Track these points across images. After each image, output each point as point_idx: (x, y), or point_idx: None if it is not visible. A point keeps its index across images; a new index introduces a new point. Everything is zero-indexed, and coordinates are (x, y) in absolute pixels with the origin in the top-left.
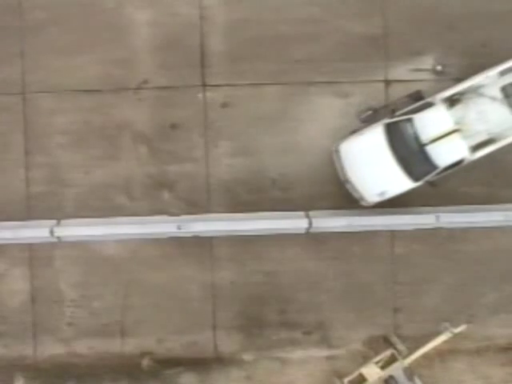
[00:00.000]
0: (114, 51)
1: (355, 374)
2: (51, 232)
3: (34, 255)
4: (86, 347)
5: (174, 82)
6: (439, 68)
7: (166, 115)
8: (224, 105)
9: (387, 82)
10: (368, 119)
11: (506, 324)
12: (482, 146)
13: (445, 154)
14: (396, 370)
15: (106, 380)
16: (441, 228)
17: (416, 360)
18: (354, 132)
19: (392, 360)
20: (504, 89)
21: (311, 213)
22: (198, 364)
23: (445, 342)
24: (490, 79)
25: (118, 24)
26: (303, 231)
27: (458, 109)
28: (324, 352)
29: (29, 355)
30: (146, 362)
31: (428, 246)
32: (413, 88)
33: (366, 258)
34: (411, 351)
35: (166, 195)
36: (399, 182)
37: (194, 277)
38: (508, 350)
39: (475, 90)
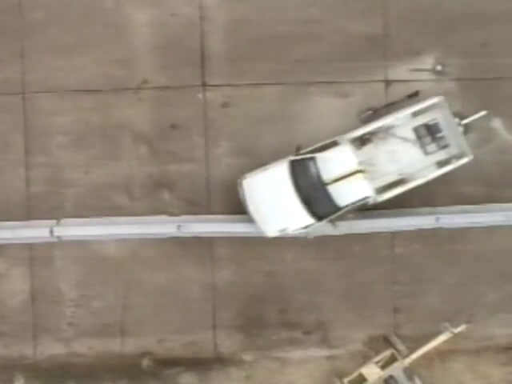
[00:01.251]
0: (114, 51)
1: (355, 374)
2: (51, 232)
3: (33, 255)
4: (86, 347)
5: (174, 81)
6: (439, 68)
7: (166, 115)
8: (224, 105)
9: (387, 82)
10: (368, 119)
11: (506, 324)
12: (393, 186)
13: (346, 194)
14: (396, 369)
15: (106, 380)
16: (441, 228)
17: (416, 360)
18: (261, 166)
19: (392, 360)
20: (416, 130)
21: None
22: (198, 364)
23: (445, 342)
24: (402, 120)
25: (118, 24)
26: (304, 235)
27: (368, 149)
28: (324, 352)
29: (29, 355)
30: (145, 362)
31: (428, 246)
32: (413, 88)
33: (366, 258)
34: (411, 351)
35: (166, 195)
36: (301, 220)
37: (194, 277)
38: (508, 349)
39: (387, 130)
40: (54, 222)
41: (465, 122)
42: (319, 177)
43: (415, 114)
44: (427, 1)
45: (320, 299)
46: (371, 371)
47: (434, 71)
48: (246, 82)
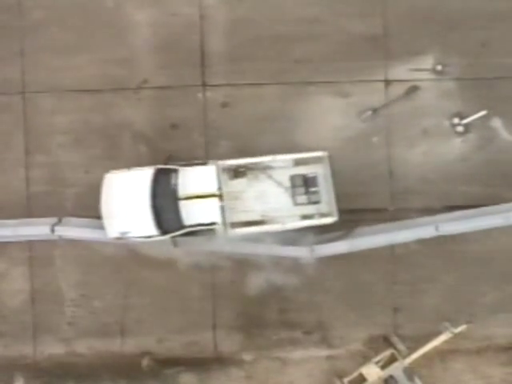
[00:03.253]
0: (113, 51)
1: (355, 374)
2: (52, 230)
3: (34, 255)
4: (85, 347)
5: (174, 81)
6: (439, 68)
7: (166, 115)
8: (224, 105)
9: (387, 82)
10: (368, 119)
11: (505, 324)
12: (252, 224)
13: (195, 214)
14: (396, 369)
15: (105, 380)
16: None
17: (416, 360)
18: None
19: (392, 360)
20: (293, 178)
21: (313, 239)
22: (197, 364)
23: (445, 341)
24: (282, 163)
25: (118, 24)
26: (307, 256)
27: (240, 182)
28: (324, 352)
29: (29, 355)
30: (145, 362)
31: (428, 246)
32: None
33: (366, 258)
34: (411, 351)
35: None
36: (146, 229)
37: (194, 277)
38: (508, 349)
39: (264, 170)
40: (55, 219)
41: (465, 121)
42: (175, 190)
43: (297, 162)
44: (427, 1)
45: (320, 299)
46: (371, 371)
47: (433, 71)
48: (246, 81)
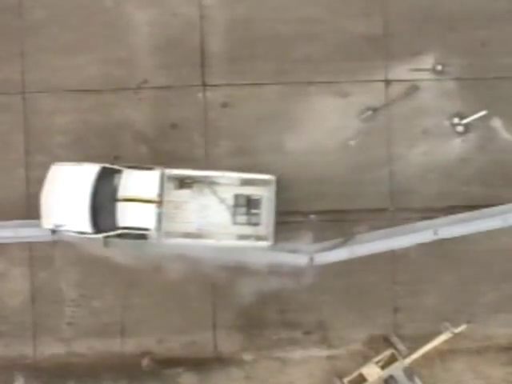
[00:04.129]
0: (114, 51)
1: (355, 374)
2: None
3: (34, 255)
4: (85, 347)
5: (174, 81)
6: (439, 68)
7: (166, 115)
8: (224, 105)
9: (387, 82)
10: (368, 119)
11: (506, 324)
12: (188, 236)
13: (130, 217)
14: (396, 369)
15: (106, 380)
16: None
17: (416, 360)
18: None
19: (392, 360)
20: (237, 197)
21: (312, 247)
22: (198, 364)
23: (445, 341)
24: (229, 181)
25: (118, 24)
26: (306, 264)
27: (185, 193)
28: (324, 352)
29: (29, 355)
30: (145, 362)
31: (428, 246)
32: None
33: (366, 258)
34: (411, 351)
35: None
36: (81, 225)
37: (194, 277)
38: (508, 349)
39: (210, 185)
40: None
41: (465, 121)
42: (115, 190)
43: (245, 182)
44: (427, 1)
45: (320, 299)
46: (371, 371)
47: (434, 71)
48: (246, 81)
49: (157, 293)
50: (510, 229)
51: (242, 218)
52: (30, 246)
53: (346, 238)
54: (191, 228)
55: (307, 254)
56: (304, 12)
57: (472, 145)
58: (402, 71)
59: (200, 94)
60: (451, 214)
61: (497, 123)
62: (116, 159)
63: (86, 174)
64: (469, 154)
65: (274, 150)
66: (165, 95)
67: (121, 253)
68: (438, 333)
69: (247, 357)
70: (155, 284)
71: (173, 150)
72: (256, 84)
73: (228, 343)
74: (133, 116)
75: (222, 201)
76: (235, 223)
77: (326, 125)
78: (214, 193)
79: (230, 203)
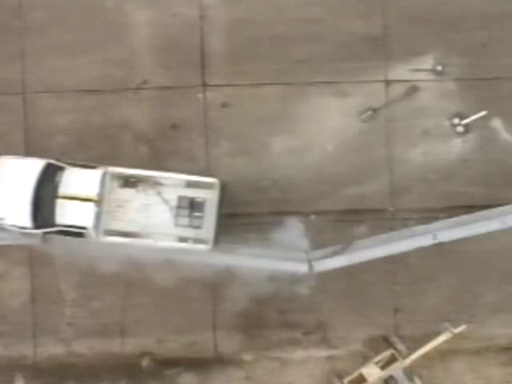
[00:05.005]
0: (114, 51)
1: (355, 374)
2: None
3: (33, 255)
4: (85, 347)
5: (174, 81)
6: (439, 68)
7: (166, 115)
8: (224, 105)
9: (387, 82)
10: (368, 119)
11: (506, 324)
12: (129, 236)
13: (68, 215)
14: (396, 369)
15: (106, 380)
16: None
17: (416, 360)
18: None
19: (392, 360)
20: (180, 199)
21: (311, 255)
22: (197, 364)
23: (445, 342)
24: (174, 182)
25: (118, 24)
26: (306, 272)
27: (129, 192)
28: (324, 352)
29: (29, 355)
30: (145, 362)
31: (428, 246)
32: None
33: None
34: (411, 351)
35: None
36: (21, 220)
37: (194, 277)
38: (508, 349)
39: (154, 185)
40: None
41: (465, 122)
42: (56, 187)
43: (189, 184)
44: (427, 1)
45: (320, 299)
46: (371, 371)
47: (434, 71)
48: (246, 81)
49: (157, 293)
50: (510, 229)
51: (184, 220)
52: (30, 246)
53: (345, 244)
54: (133, 227)
55: (306, 262)
56: (304, 12)
57: (472, 145)
58: (402, 71)
59: (200, 94)
60: (451, 214)
61: (497, 123)
62: (63, 155)
63: (31, 168)
64: (469, 155)
65: (274, 150)
66: (165, 95)
67: (59, 248)
68: (438, 333)
69: (247, 357)
70: (155, 284)
71: (173, 149)
72: (256, 84)
73: (228, 343)
74: (133, 116)
75: (166, 202)
76: (177, 225)
77: (326, 125)
78: (158, 193)
79: (174, 204)
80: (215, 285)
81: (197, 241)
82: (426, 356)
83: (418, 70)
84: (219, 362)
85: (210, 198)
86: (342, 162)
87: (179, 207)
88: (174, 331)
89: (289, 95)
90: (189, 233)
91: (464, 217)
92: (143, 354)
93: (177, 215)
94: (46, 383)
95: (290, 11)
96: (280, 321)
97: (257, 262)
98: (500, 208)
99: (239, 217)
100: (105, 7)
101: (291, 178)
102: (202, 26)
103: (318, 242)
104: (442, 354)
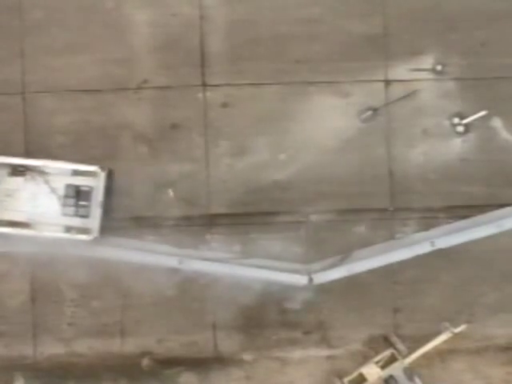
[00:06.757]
0: (114, 51)
1: (355, 374)
2: None
3: (33, 255)
4: (86, 347)
5: (174, 81)
6: (439, 68)
7: (166, 115)
8: (224, 105)
9: (387, 82)
10: (368, 119)
11: (506, 324)
12: (16, 226)
13: None
14: (396, 369)
15: (105, 380)
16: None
17: (416, 360)
18: None
19: (392, 360)
20: (67, 187)
21: (311, 266)
22: (197, 364)
23: (445, 341)
24: (60, 171)
25: (118, 24)
26: (305, 284)
27: (17, 181)
28: (324, 352)
29: (29, 355)
30: (145, 362)
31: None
32: (412, 88)
33: None
34: (411, 351)
35: (164, 195)
36: None
37: (193, 276)
38: (508, 349)
39: (41, 173)
40: None
41: (465, 121)
42: None
43: (77, 173)
44: (427, 1)
45: (320, 299)
46: (371, 371)
47: (433, 71)
48: (246, 81)
49: (157, 293)
50: (510, 229)
51: (71, 210)
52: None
53: (344, 255)
54: (21, 217)
55: (306, 274)
56: (304, 12)
57: (472, 145)
58: (402, 71)
59: (200, 94)
60: (451, 213)
61: (497, 123)
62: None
63: None
64: (469, 154)
65: (274, 150)
66: (165, 95)
67: None
68: (438, 333)
69: (247, 357)
70: (155, 284)
71: (173, 149)
72: (256, 84)
73: (228, 343)
74: (133, 116)
75: (53, 190)
76: (64, 214)
77: (325, 125)
78: (46, 182)
79: (61, 194)
80: (215, 285)
81: (81, 231)
82: (425, 356)
83: (418, 69)
84: (219, 361)
85: (98, 186)
86: (341, 161)
87: (66, 196)
88: (173, 331)
89: (289, 95)
90: (75, 222)
91: (461, 222)
92: (143, 354)
93: (64, 205)
94: (45, 383)
95: (290, 11)
96: (280, 321)
97: (255, 272)
98: (496, 211)
99: (239, 217)
100: (105, 7)
101: (291, 178)
102: (202, 26)
103: (317, 242)
104: (441, 353)
